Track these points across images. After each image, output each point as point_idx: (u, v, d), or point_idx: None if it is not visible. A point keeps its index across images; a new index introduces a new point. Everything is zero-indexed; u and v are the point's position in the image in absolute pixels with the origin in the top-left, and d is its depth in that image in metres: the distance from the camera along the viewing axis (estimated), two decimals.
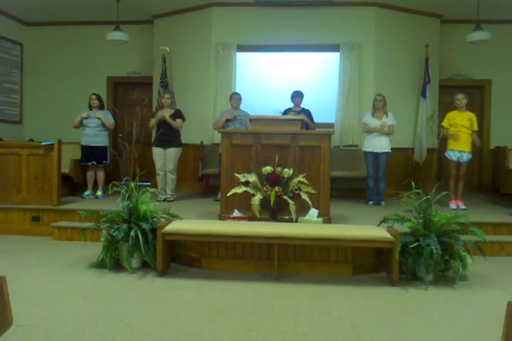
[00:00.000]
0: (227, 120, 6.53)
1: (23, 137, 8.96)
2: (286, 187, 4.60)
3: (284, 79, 7.85)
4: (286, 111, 6.77)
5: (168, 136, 6.47)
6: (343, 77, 7.66)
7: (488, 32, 7.18)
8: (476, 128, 6.22)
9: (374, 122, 6.48)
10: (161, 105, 6.67)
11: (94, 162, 6.77)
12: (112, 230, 4.31)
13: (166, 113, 6.49)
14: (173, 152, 6.54)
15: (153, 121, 6.62)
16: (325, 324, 3.06)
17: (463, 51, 8.33)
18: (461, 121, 6.16)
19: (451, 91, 7.44)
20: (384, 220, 4.38)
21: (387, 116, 6.48)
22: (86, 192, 6.78)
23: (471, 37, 7.30)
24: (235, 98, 6.73)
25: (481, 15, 7.28)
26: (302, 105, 6.86)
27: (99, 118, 6.71)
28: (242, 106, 6.81)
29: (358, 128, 7.47)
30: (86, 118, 6.73)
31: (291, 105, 6.88)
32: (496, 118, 8.49)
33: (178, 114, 6.57)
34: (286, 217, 4.66)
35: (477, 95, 8.59)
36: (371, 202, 6.55)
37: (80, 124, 6.79)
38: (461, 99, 6.23)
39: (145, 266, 4.30)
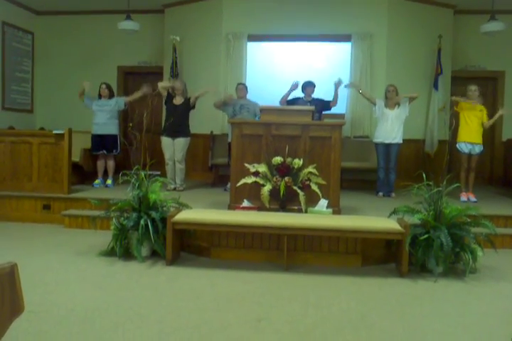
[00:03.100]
0: (234, 109, 6.54)
1: (34, 126, 9.00)
2: (296, 177, 4.59)
3: (295, 69, 7.80)
4: (296, 100, 6.73)
5: (177, 125, 6.46)
6: (354, 68, 7.60)
7: (503, 22, 7.08)
8: (485, 120, 6.15)
9: (387, 112, 6.42)
10: (173, 94, 6.65)
11: (105, 151, 6.79)
12: (122, 219, 4.33)
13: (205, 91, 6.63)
14: (181, 142, 6.53)
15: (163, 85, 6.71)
16: (334, 314, 3.06)
17: (476, 42, 8.21)
18: (472, 112, 6.10)
19: (463, 83, 7.35)
20: (394, 212, 4.35)
21: (399, 106, 6.42)
22: (96, 181, 6.80)
23: (485, 27, 7.20)
24: (240, 88, 6.76)
25: (495, 6, 7.17)
26: (313, 95, 6.84)
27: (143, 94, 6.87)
28: (252, 96, 6.79)
29: (369, 119, 7.42)
30: (97, 105, 6.75)
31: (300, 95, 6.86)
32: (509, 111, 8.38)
33: (189, 101, 6.58)
34: (296, 208, 4.64)
35: (490, 87, 8.48)
36: (381, 194, 6.52)
37: (89, 107, 6.83)
38: (473, 90, 6.16)
39: (154, 255, 4.32)
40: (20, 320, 2.23)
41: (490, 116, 6.25)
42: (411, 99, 6.41)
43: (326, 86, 7.04)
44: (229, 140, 6.41)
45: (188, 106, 6.55)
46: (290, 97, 6.75)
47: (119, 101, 6.89)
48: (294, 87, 6.68)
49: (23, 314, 2.07)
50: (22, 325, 2.63)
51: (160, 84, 6.63)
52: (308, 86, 6.79)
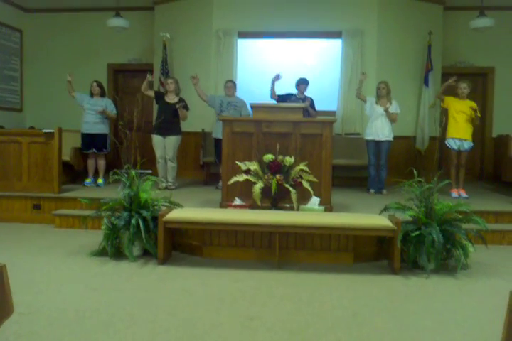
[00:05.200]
0: (221, 106, 6.49)
1: (24, 125, 8.93)
2: (288, 175, 4.59)
3: (285, 66, 7.76)
4: (288, 97, 6.72)
5: (168, 123, 6.42)
6: (345, 65, 7.61)
7: (492, 18, 7.10)
8: (479, 115, 6.15)
9: (377, 110, 6.43)
10: (164, 92, 6.62)
11: (95, 150, 6.75)
12: (113, 218, 4.30)
13: (171, 99, 6.49)
14: (172, 140, 6.51)
15: (145, 85, 6.58)
16: (326, 312, 3.06)
17: (466, 38, 8.26)
18: (461, 108, 6.10)
19: None
20: (385, 209, 4.36)
21: (390, 104, 6.42)
22: (87, 180, 6.78)
23: (474, 23, 7.25)
24: (229, 86, 6.70)
25: (484, 2, 7.21)
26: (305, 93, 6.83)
27: (102, 112, 6.67)
28: (242, 93, 6.78)
29: (360, 116, 7.43)
30: (88, 104, 6.70)
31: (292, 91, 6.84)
32: (498, 107, 8.45)
33: (182, 103, 6.50)
34: (288, 205, 4.65)
35: (480, 83, 8.52)
36: (372, 191, 6.54)
37: (80, 103, 6.78)
38: (463, 88, 6.16)
39: (146, 254, 4.30)
40: (11, 322, 2.22)
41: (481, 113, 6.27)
42: (391, 115, 6.41)
43: (316, 84, 7.03)
44: (213, 135, 6.45)
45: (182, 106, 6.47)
46: (283, 93, 6.71)
47: (110, 107, 6.81)
48: (276, 78, 6.57)
49: (13, 316, 2.05)
50: (12, 327, 2.60)
51: (143, 89, 6.57)
52: (302, 83, 6.78)
